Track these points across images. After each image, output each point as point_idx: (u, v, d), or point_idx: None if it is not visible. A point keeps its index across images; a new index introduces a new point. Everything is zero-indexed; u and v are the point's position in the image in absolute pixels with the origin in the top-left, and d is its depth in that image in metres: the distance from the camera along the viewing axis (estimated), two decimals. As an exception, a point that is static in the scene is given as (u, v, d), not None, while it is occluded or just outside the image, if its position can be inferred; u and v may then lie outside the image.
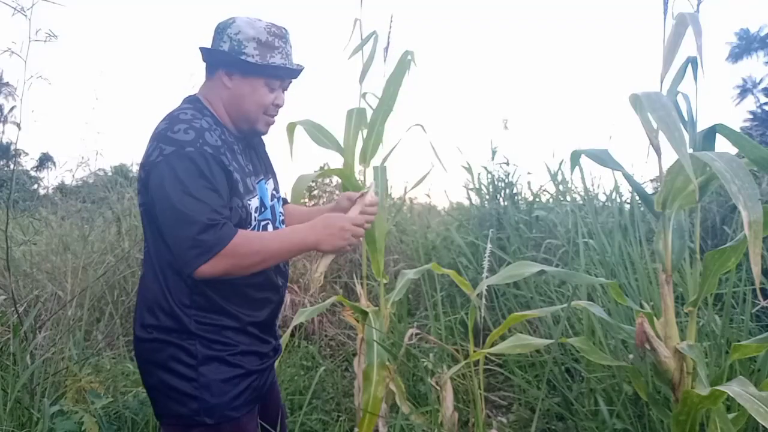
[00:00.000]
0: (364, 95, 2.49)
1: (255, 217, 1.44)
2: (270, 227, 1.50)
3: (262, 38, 1.43)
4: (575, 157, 1.77)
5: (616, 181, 3.64)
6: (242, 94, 1.45)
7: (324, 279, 4.50)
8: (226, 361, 1.39)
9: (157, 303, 1.38)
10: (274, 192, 1.59)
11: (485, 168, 4.76)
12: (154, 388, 1.42)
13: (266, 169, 1.59)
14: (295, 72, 1.51)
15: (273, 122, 1.55)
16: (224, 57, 1.43)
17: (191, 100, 1.47)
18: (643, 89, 1.50)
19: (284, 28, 1.50)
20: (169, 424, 1.43)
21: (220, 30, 1.46)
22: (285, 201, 1.75)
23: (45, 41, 2.23)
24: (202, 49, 1.48)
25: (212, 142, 1.34)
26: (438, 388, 2.26)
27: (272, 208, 1.53)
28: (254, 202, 1.44)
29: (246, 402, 1.42)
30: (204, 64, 1.50)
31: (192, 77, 3.60)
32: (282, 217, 1.61)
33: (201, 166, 1.29)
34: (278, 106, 1.52)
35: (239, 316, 1.42)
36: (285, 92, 1.53)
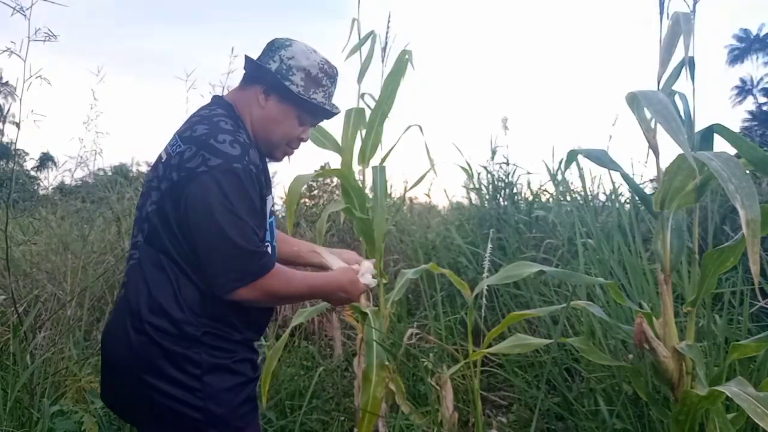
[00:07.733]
0: (362, 95, 2.49)
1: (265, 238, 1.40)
2: (269, 248, 1.43)
3: (312, 72, 1.42)
4: (571, 157, 1.78)
5: (613, 181, 3.64)
6: (273, 119, 1.42)
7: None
8: (229, 369, 1.33)
9: (164, 303, 1.29)
10: (272, 208, 1.52)
11: (485, 168, 4.77)
12: (148, 397, 1.29)
13: (269, 182, 1.52)
14: (330, 114, 1.50)
15: (292, 154, 1.53)
16: (268, 76, 1.40)
17: (225, 106, 1.42)
18: (640, 88, 1.50)
19: (336, 69, 1.48)
20: None
21: (274, 48, 1.43)
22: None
23: (45, 41, 2.23)
24: (248, 59, 1.44)
25: (255, 161, 1.31)
26: (438, 388, 2.27)
27: (271, 225, 1.47)
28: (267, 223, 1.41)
29: (249, 410, 1.38)
30: (244, 72, 1.47)
31: (189, 77, 3.58)
32: (276, 235, 1.55)
33: (247, 185, 1.27)
34: (302, 141, 1.50)
35: (241, 328, 1.37)
36: (312, 128, 1.51)
